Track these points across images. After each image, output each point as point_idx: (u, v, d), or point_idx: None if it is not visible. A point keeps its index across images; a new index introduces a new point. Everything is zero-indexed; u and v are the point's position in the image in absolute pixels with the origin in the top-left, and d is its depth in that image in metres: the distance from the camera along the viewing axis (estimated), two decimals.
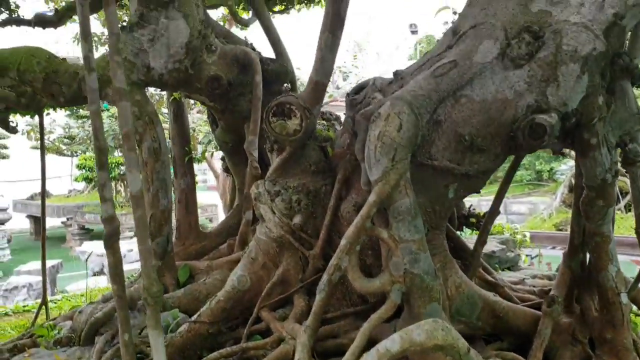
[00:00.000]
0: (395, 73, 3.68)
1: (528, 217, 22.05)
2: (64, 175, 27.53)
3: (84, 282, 12.15)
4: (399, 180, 3.16)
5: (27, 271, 14.69)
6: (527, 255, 8.95)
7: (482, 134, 3.29)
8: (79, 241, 22.32)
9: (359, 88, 3.87)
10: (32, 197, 27.06)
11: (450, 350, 2.76)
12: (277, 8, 7.82)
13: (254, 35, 5.92)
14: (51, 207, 23.82)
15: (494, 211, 4.06)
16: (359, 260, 3.30)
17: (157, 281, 2.11)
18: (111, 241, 2.23)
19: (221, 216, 20.02)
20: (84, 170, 23.18)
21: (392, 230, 3.18)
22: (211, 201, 24.90)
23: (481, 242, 4.01)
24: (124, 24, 4.33)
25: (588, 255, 3.78)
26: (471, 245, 4.19)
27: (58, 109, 6.96)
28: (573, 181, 4.59)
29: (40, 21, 6.03)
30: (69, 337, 4.17)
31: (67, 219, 24.72)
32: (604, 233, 3.56)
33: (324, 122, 4.91)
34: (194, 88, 4.59)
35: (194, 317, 3.80)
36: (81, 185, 27.31)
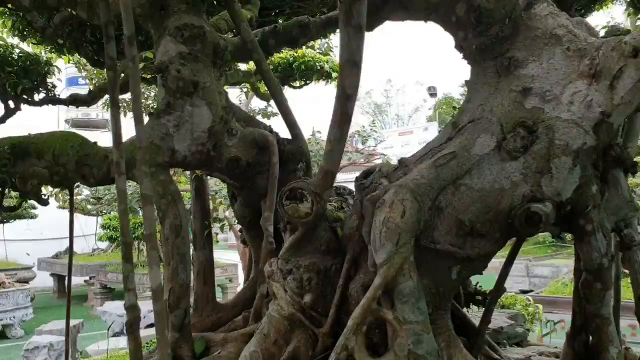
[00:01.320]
0: (400, 161, 3.94)
1: (550, 280, 21.69)
2: (89, 235, 28.02)
3: (104, 342, 12.33)
4: (403, 264, 3.37)
5: (48, 331, 14.81)
6: (549, 321, 8.94)
7: (481, 220, 3.50)
8: (100, 300, 22.50)
9: (367, 173, 4.13)
10: (57, 256, 27.51)
11: None
12: (296, 84, 8.26)
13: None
14: (75, 265, 23.98)
15: (497, 291, 4.19)
16: (366, 339, 3.47)
17: None
18: (132, 329, 2.45)
19: (241, 276, 20.10)
20: (108, 230, 23.65)
21: (397, 311, 3.36)
22: (231, 259, 24.95)
23: (485, 321, 4.13)
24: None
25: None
26: (477, 322, 4.31)
27: None
28: None
29: (75, 100, 6.50)
30: None
31: (90, 278, 24.99)
32: (604, 315, 3.68)
33: (337, 196, 5.16)
34: (215, 168, 4.89)
35: None
36: (105, 244, 27.74)
